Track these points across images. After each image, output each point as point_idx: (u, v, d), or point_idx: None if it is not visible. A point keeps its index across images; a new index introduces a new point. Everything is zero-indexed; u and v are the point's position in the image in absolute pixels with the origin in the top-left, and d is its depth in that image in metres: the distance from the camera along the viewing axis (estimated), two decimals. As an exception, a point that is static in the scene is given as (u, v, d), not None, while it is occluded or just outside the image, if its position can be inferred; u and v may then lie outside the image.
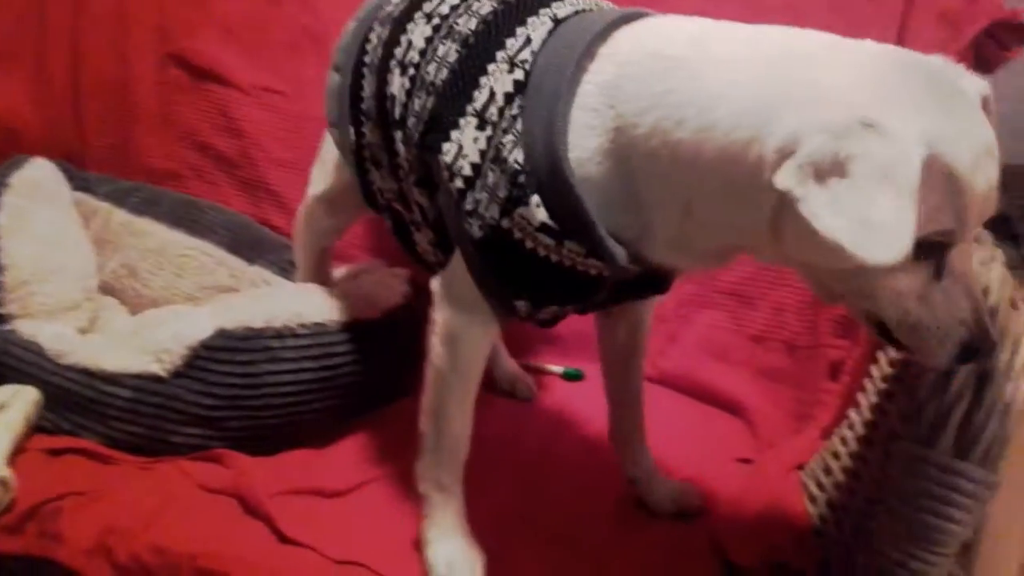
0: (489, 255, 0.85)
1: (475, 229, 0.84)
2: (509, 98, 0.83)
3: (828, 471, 0.96)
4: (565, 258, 0.82)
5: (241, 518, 1.02)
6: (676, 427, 1.24)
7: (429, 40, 0.94)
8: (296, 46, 1.51)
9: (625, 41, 0.81)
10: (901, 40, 1.23)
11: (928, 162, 0.63)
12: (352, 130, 1.08)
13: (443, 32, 0.93)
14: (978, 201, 0.68)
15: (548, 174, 0.79)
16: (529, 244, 0.82)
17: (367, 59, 1.06)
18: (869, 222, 0.62)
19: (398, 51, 0.98)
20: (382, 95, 1.00)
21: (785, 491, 1.01)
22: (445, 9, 0.96)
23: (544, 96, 0.80)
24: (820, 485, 0.97)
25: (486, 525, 0.97)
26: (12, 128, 1.49)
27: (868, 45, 0.73)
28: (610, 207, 0.80)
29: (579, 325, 1.04)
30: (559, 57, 0.82)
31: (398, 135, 0.97)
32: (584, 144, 0.79)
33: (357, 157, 1.09)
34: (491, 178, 0.82)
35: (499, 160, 0.82)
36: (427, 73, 0.92)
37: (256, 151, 1.52)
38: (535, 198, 0.79)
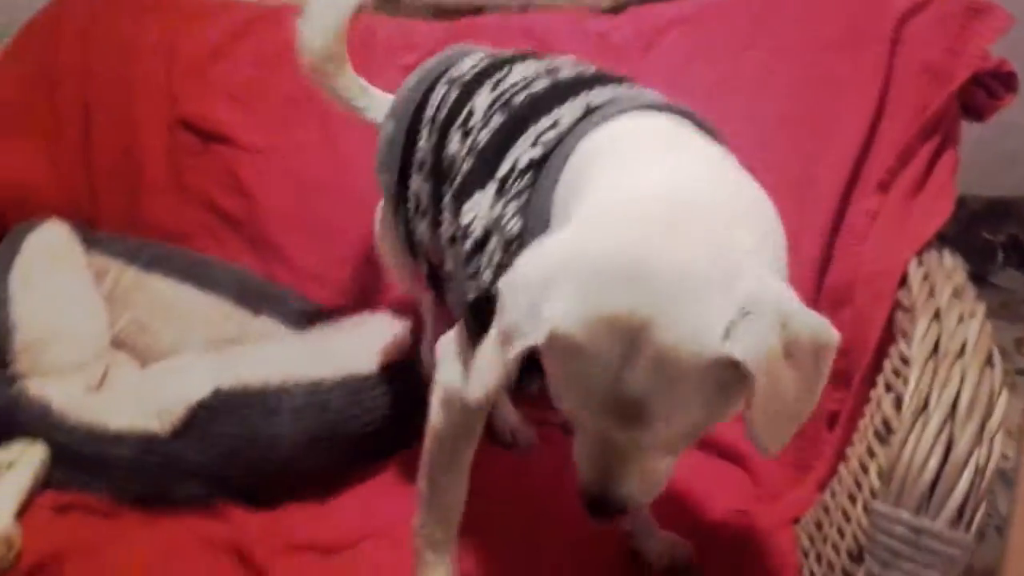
0: (480, 320, 0.85)
1: (471, 293, 0.86)
2: (523, 172, 0.85)
3: (819, 525, 0.95)
4: None
5: (239, 574, 1.03)
6: (675, 476, 1.22)
7: (489, 107, 0.97)
8: (295, 108, 1.54)
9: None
10: (885, 96, 1.22)
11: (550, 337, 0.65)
12: (396, 177, 1.10)
13: (501, 102, 0.96)
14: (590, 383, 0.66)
15: None
16: None
17: (426, 114, 1.07)
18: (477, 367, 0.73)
19: (462, 116, 1.00)
20: (440, 151, 1.02)
21: (779, 546, 1.00)
22: (509, 82, 0.98)
23: (550, 174, 0.83)
24: (812, 539, 0.96)
25: (480, 582, 0.97)
26: (28, 192, 1.52)
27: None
28: None
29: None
30: (573, 141, 0.84)
31: (448, 192, 0.99)
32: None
33: (396, 202, 1.12)
34: (492, 243, 0.85)
35: (500, 227, 0.84)
36: (479, 141, 0.94)
37: (260, 210, 1.55)
38: None
